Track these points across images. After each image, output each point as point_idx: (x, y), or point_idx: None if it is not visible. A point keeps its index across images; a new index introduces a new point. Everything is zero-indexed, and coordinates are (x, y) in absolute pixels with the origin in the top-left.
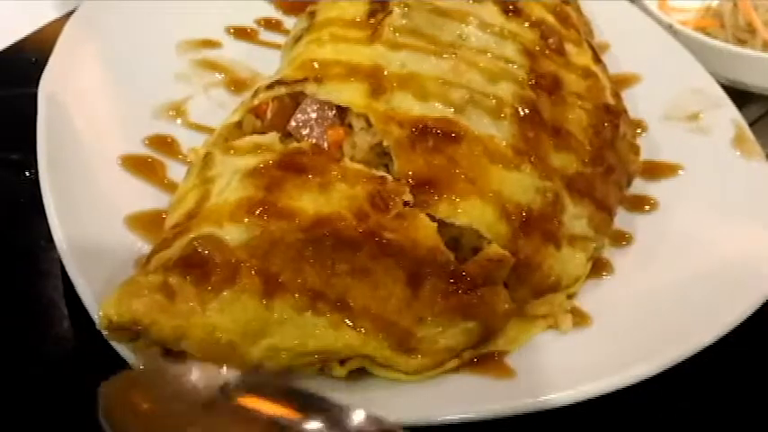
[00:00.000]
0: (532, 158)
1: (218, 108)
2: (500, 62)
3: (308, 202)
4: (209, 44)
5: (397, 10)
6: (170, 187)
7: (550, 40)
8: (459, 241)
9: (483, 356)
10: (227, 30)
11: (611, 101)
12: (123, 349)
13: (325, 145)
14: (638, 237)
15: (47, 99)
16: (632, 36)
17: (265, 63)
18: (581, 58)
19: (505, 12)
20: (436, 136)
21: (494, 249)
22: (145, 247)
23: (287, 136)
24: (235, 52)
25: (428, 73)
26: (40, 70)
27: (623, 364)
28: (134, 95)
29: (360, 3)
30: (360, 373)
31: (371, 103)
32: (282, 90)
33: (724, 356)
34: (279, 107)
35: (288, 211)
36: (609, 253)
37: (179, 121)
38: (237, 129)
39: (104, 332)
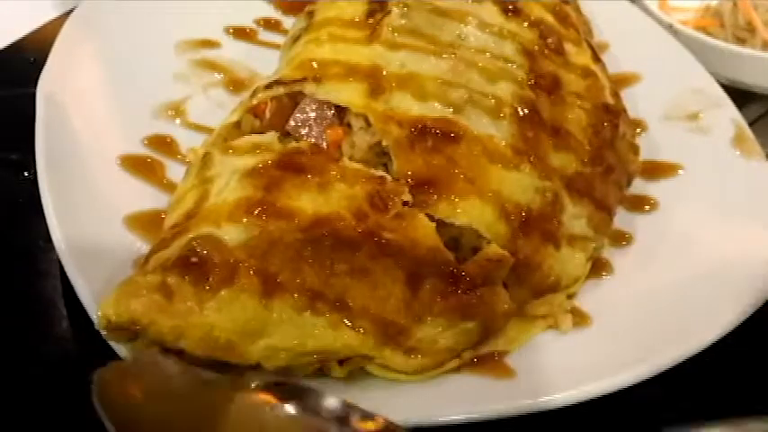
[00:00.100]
0: (532, 158)
1: (218, 108)
2: (499, 62)
3: (306, 201)
4: (209, 44)
5: (395, 10)
6: (169, 187)
7: (549, 40)
8: (458, 241)
9: (483, 356)
10: (227, 30)
11: (610, 100)
12: (122, 349)
13: (324, 145)
14: (637, 237)
15: (45, 99)
16: (632, 35)
17: (264, 63)
18: (580, 57)
19: (505, 11)
20: (435, 136)
21: (493, 249)
22: (144, 247)
23: (286, 136)
24: (234, 52)
25: (427, 73)
26: (38, 70)
27: (623, 364)
28: (133, 95)
29: (358, 2)
30: (359, 374)
31: (370, 103)
32: (281, 90)
33: (724, 356)
34: (277, 107)
35: (287, 210)
36: (609, 253)
37: (178, 121)
38: (236, 129)
39: (103, 332)
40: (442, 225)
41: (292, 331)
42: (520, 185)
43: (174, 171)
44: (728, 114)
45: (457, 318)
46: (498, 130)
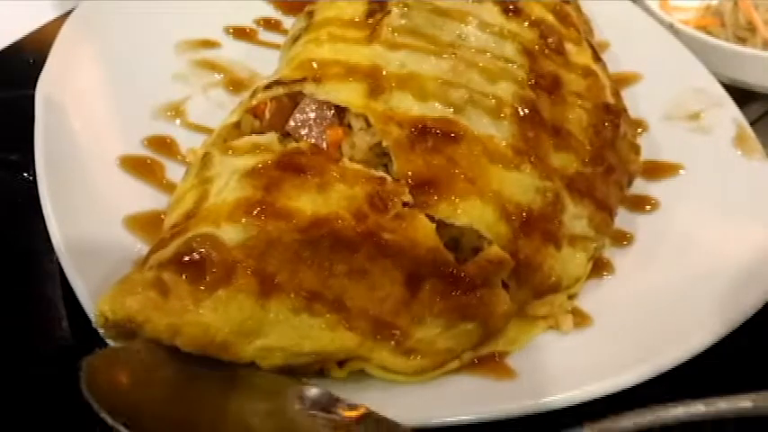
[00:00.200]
0: (532, 158)
1: (217, 108)
2: (500, 62)
3: (306, 202)
4: (208, 44)
5: (395, 10)
6: (169, 188)
7: (550, 40)
8: (459, 242)
9: (484, 357)
10: (226, 30)
11: (611, 100)
12: None
13: (324, 145)
14: (638, 237)
15: (44, 100)
16: (633, 35)
17: (264, 63)
18: (581, 57)
19: (505, 11)
20: (436, 136)
21: (494, 251)
22: (143, 247)
23: (285, 136)
24: (234, 52)
25: (427, 73)
26: (38, 71)
27: (625, 364)
28: (133, 96)
29: (358, 2)
30: (359, 375)
31: (370, 103)
32: (281, 90)
33: (725, 357)
34: (277, 107)
35: (286, 211)
36: (610, 253)
37: (178, 121)
38: (236, 129)
39: (101, 330)
40: (442, 226)
41: (289, 332)
42: (520, 186)
43: (174, 172)
44: (729, 114)
45: (456, 318)
46: (499, 131)
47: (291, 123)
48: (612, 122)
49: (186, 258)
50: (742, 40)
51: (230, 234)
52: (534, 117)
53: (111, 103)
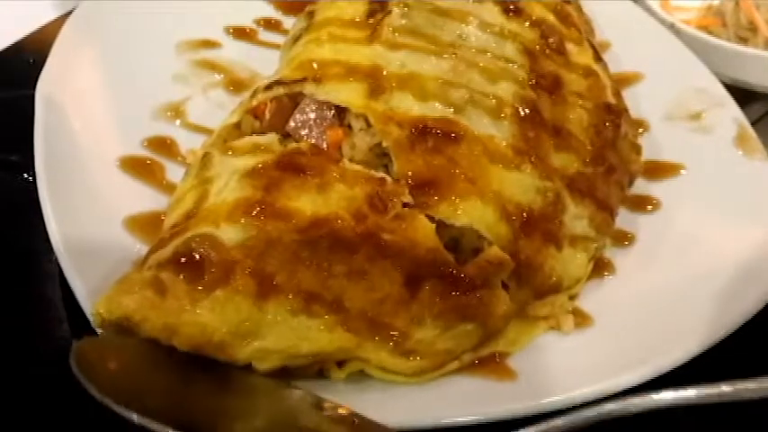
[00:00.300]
0: (533, 158)
1: (217, 109)
2: (500, 62)
3: (305, 202)
4: (208, 44)
5: (396, 10)
6: (169, 189)
7: (551, 40)
8: (459, 242)
9: (484, 358)
10: (227, 30)
11: (612, 100)
12: None
13: (325, 146)
14: (639, 237)
15: (44, 100)
16: (634, 35)
17: (264, 63)
18: (582, 57)
19: (506, 11)
20: (436, 136)
21: (494, 252)
22: (143, 248)
23: (286, 137)
24: (234, 52)
25: (428, 73)
26: (38, 71)
27: (625, 365)
28: (132, 96)
29: (359, 2)
30: (359, 376)
31: (370, 104)
32: (281, 90)
33: (726, 357)
34: (277, 108)
35: (285, 211)
36: (611, 253)
37: (178, 122)
38: (236, 130)
39: (99, 330)
40: (442, 226)
41: (286, 334)
42: (521, 186)
43: (174, 172)
44: (731, 114)
45: (456, 319)
46: (499, 131)
47: (292, 124)
48: (613, 122)
49: (184, 258)
50: (743, 40)
51: (229, 234)
52: (535, 117)
53: (111, 104)
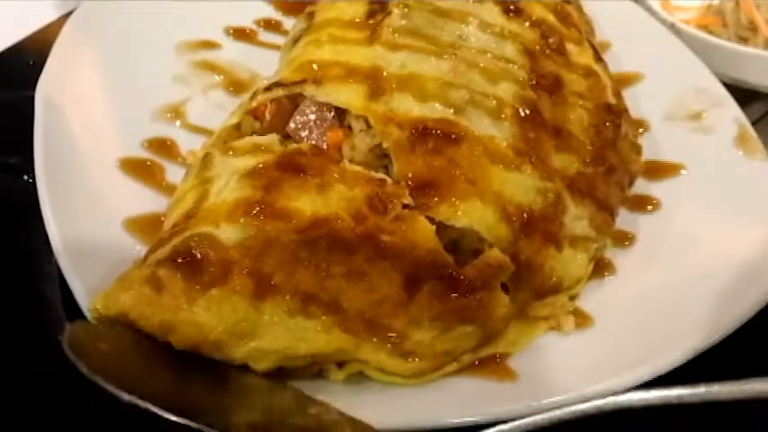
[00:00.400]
0: (533, 159)
1: (217, 110)
2: (500, 62)
3: (305, 203)
4: (208, 45)
5: (396, 11)
6: (168, 190)
7: (551, 40)
8: (459, 244)
9: (485, 359)
10: (227, 30)
11: (612, 100)
12: None
13: (325, 147)
14: (640, 237)
15: (44, 101)
16: (634, 35)
17: (265, 64)
18: (582, 57)
19: (506, 12)
20: (436, 137)
21: (494, 254)
22: (142, 249)
23: (286, 138)
24: (234, 53)
25: (428, 74)
26: (38, 72)
27: (626, 365)
28: (132, 97)
29: (359, 3)
30: (359, 377)
31: (370, 105)
32: (281, 92)
33: (727, 358)
34: (277, 109)
35: (285, 211)
36: (611, 253)
37: (178, 123)
38: (236, 131)
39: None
40: (442, 227)
41: (284, 334)
42: (521, 186)
43: (174, 174)
44: (731, 114)
45: (455, 321)
46: (499, 131)
47: (292, 125)
48: (614, 122)
49: (183, 256)
50: (744, 40)
51: (228, 234)
52: (535, 117)
53: (111, 105)
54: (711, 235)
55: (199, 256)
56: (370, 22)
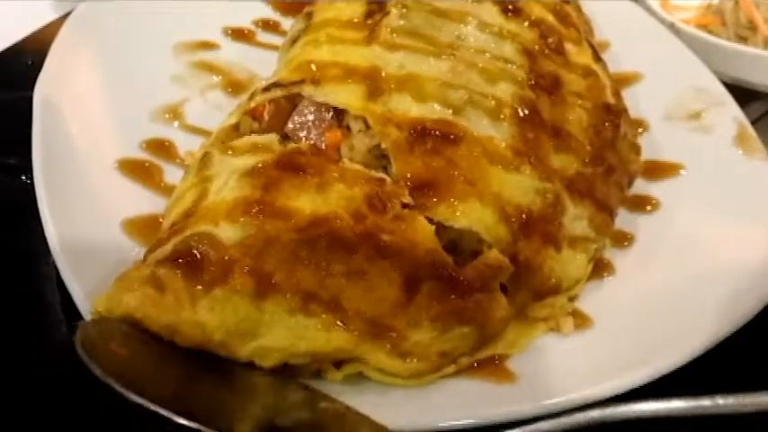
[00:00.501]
0: (532, 159)
1: (216, 110)
2: (499, 62)
3: (305, 202)
4: (207, 46)
5: (394, 11)
6: (167, 191)
7: (550, 40)
8: (458, 244)
9: (484, 360)
10: (225, 31)
11: (611, 100)
12: None
13: (323, 147)
14: (639, 237)
15: (42, 102)
16: (633, 34)
17: (263, 64)
18: (581, 57)
19: (505, 11)
20: (435, 137)
21: (493, 255)
22: (141, 251)
23: (285, 138)
24: (232, 54)
25: (426, 74)
26: (36, 72)
27: (625, 366)
28: (131, 98)
29: (357, 3)
30: (357, 378)
31: (369, 105)
32: (279, 92)
33: (726, 358)
34: (276, 109)
35: (284, 210)
36: (610, 254)
37: (176, 123)
38: (234, 131)
39: None
40: (441, 228)
41: (284, 333)
42: (520, 187)
43: (172, 175)
44: (730, 113)
45: (453, 322)
46: (498, 132)
47: (290, 126)
48: (613, 122)
49: (183, 256)
50: (743, 39)
51: (228, 233)
52: (534, 118)
53: (110, 105)
54: (711, 235)
55: (199, 255)
56: (369, 22)
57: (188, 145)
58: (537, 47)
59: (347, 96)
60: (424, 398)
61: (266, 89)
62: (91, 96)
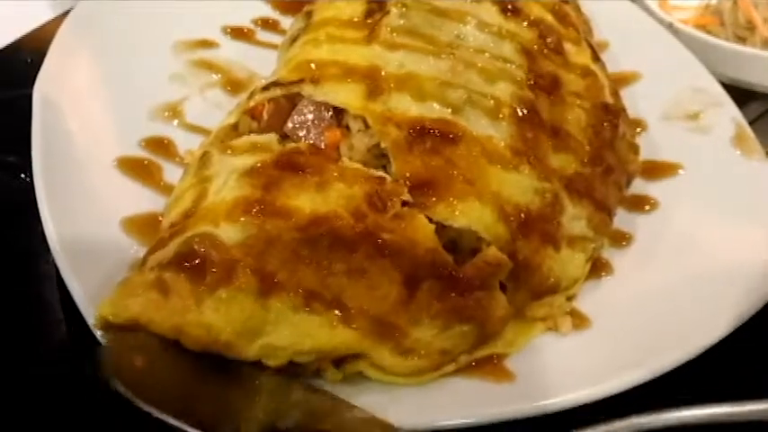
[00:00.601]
0: (531, 159)
1: (215, 109)
2: (498, 62)
3: (305, 201)
4: (206, 44)
5: (394, 10)
6: (166, 190)
7: (549, 40)
8: (457, 243)
9: (482, 360)
10: (224, 30)
11: (610, 100)
12: None
13: (323, 147)
14: (637, 237)
15: (42, 100)
16: (632, 34)
17: (262, 63)
18: (580, 57)
19: (504, 11)
20: (434, 137)
21: (492, 252)
22: (140, 249)
23: (284, 138)
24: (231, 52)
25: (426, 73)
26: (36, 71)
27: (623, 366)
28: (130, 96)
29: (357, 3)
30: (357, 378)
31: (368, 104)
32: (278, 92)
33: (725, 358)
34: (275, 109)
35: (285, 210)
36: (608, 253)
37: (175, 122)
38: (234, 131)
39: (99, 333)
40: (440, 227)
41: (289, 330)
42: (519, 187)
43: (172, 173)
44: (729, 113)
45: (454, 320)
46: (497, 131)
47: (289, 125)
48: (611, 122)
49: (186, 258)
50: (741, 40)
51: (229, 233)
52: (533, 117)
53: (109, 104)
54: (709, 235)
55: (201, 257)
56: (368, 21)
57: (187, 143)
58: (536, 47)
59: (347, 96)
60: (422, 397)
61: (265, 88)
62: (90, 94)
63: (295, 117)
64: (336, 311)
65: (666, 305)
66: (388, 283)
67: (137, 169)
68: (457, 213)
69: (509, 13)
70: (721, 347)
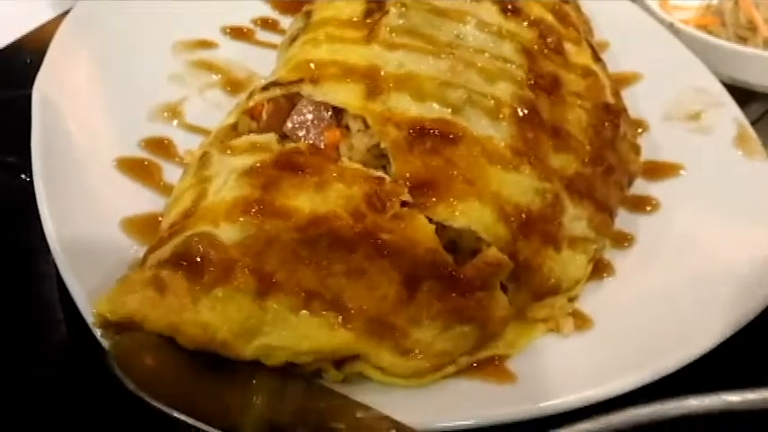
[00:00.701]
0: (531, 159)
1: (215, 109)
2: (498, 62)
3: (304, 201)
4: (205, 44)
5: (393, 10)
6: (166, 190)
7: (549, 40)
8: (457, 244)
9: (483, 361)
10: (224, 30)
11: (610, 100)
12: None
13: (322, 147)
14: (639, 238)
15: (41, 100)
16: (633, 34)
17: (262, 63)
18: (580, 57)
19: (504, 11)
20: (434, 137)
21: (492, 253)
22: (140, 249)
23: (283, 138)
24: (231, 52)
25: (425, 73)
26: (35, 71)
27: (625, 367)
28: (129, 96)
29: (356, 2)
30: (357, 378)
31: (368, 104)
32: (278, 91)
33: (727, 359)
34: (274, 109)
35: (284, 210)
36: (610, 254)
37: (175, 122)
38: (233, 131)
39: (98, 331)
40: (441, 227)
41: (288, 331)
42: (520, 187)
43: (171, 173)
44: (730, 114)
45: (454, 321)
46: (498, 131)
47: (289, 125)
48: (612, 122)
49: (184, 257)
50: (743, 40)
51: (228, 233)
52: (533, 117)
53: (108, 104)
54: (711, 236)
55: (200, 256)
56: (368, 21)
57: (187, 144)
58: (536, 46)
59: (346, 95)
60: (423, 398)
61: (265, 88)
62: (90, 94)
63: (294, 117)
64: (335, 312)
65: (669, 306)
66: (387, 283)
67: (136, 169)
68: (457, 214)
69: (509, 13)
70: (721, 348)
